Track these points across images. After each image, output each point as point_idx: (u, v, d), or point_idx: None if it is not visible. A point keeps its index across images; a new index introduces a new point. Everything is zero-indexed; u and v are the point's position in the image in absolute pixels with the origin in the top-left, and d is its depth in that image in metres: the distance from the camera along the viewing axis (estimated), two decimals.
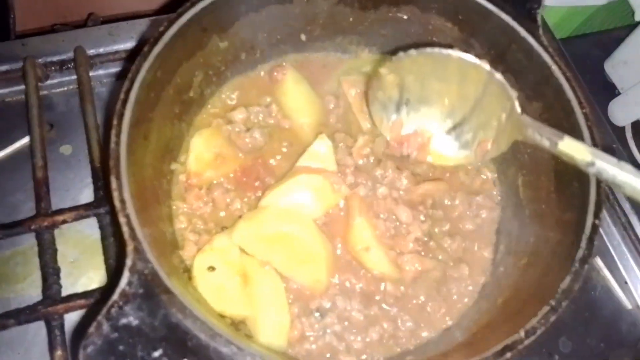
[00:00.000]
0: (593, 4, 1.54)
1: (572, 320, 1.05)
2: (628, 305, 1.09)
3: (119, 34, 1.16)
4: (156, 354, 0.60)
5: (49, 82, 1.09)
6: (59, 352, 0.83)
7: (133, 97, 0.74)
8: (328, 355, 0.82)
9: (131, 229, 0.67)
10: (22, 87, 1.06)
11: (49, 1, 1.34)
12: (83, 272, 0.95)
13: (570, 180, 0.80)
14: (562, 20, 1.56)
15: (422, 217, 0.92)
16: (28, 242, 0.94)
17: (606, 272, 1.13)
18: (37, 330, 0.88)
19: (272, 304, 0.79)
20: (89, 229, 0.98)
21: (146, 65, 0.76)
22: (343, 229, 0.88)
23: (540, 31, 0.85)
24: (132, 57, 0.78)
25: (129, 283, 0.64)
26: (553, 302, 0.68)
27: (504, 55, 0.89)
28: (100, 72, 1.13)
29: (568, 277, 0.71)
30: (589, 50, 1.68)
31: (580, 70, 1.56)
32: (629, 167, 0.67)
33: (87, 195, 1.01)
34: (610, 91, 1.63)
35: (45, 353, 0.86)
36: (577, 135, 0.79)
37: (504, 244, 0.94)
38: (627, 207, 1.19)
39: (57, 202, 0.98)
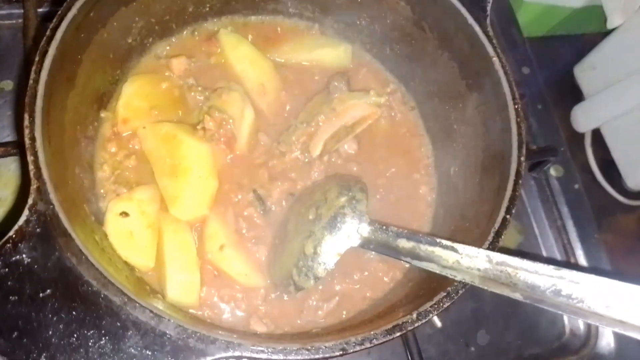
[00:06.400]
0: (569, 5, 1.53)
1: (494, 314, 1.08)
2: None
3: None
4: (44, 294, 0.60)
5: None
6: None
7: (59, 35, 0.72)
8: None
9: (37, 167, 0.66)
10: None
11: None
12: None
13: (494, 174, 0.81)
14: (536, 18, 1.55)
15: None
16: None
17: None
18: None
19: (181, 261, 0.79)
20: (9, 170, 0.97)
21: (78, 4, 0.74)
22: None
23: (488, 21, 0.85)
24: None
25: (27, 222, 0.63)
26: (450, 289, 0.69)
27: (451, 41, 0.89)
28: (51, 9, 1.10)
29: None
30: (561, 52, 1.68)
31: (549, 72, 1.56)
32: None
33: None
34: (576, 96, 1.64)
35: None
36: (505, 130, 0.80)
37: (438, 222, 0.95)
38: (564, 210, 1.21)
39: None
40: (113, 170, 0.85)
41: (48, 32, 0.72)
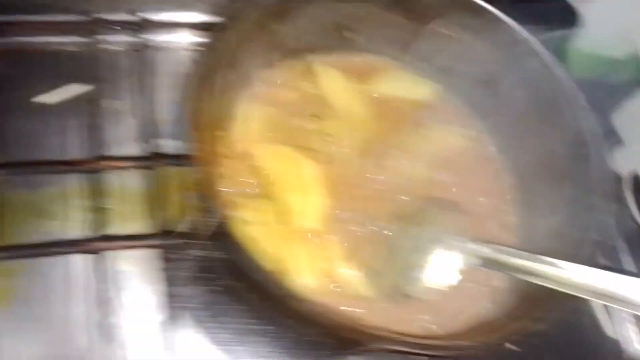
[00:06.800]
0: (611, 55, 1.64)
1: (556, 339, 1.14)
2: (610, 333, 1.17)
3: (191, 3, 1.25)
4: (225, 284, 0.69)
5: (112, 38, 1.19)
6: (101, 286, 0.91)
7: (201, 60, 0.85)
8: None
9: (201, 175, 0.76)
10: (88, 39, 1.16)
11: None
12: (124, 221, 1.02)
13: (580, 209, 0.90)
14: (580, 65, 1.66)
15: None
16: (77, 183, 1.02)
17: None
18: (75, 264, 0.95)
19: (299, 269, 0.88)
20: (131, 182, 1.06)
21: (217, 36, 0.89)
22: None
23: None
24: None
25: (197, 223, 0.74)
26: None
27: (529, 82, 1.01)
28: (164, 37, 1.22)
29: None
30: (600, 96, 1.78)
31: (594, 115, 1.65)
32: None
33: (132, 150, 1.09)
34: (614, 140, 1.73)
35: (84, 287, 0.92)
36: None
37: None
38: (620, 244, 1.28)
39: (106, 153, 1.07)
40: (232, 185, 0.94)
41: (196, 57, 0.85)
